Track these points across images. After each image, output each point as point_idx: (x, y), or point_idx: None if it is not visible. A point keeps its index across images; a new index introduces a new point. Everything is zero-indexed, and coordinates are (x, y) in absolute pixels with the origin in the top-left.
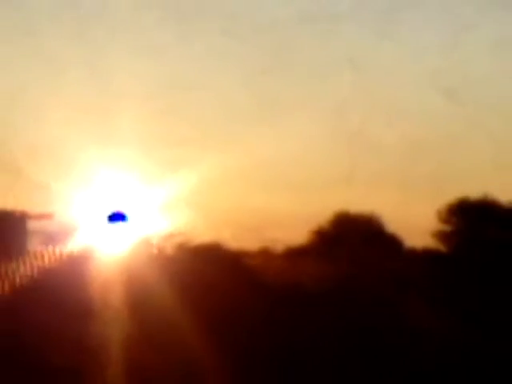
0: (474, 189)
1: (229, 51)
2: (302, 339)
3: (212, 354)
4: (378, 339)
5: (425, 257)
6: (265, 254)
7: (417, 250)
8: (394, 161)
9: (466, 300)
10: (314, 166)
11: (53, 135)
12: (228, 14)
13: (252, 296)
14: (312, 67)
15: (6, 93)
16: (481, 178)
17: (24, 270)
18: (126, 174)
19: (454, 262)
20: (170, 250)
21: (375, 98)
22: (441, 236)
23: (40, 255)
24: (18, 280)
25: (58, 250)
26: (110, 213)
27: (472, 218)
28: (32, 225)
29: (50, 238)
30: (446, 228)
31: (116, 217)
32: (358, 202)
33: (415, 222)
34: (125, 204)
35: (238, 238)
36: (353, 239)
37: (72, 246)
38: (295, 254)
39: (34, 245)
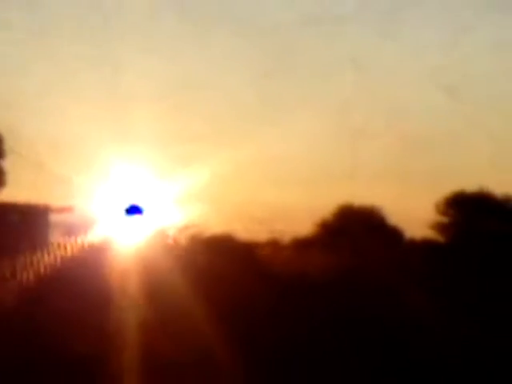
0: (470, 183)
1: (238, 53)
2: (309, 326)
3: (223, 340)
4: (379, 326)
5: (424, 247)
6: (273, 244)
7: (416, 241)
8: (395, 156)
9: (463, 288)
10: (319, 161)
11: (73, 133)
12: (236, 18)
13: (261, 284)
14: (316, 67)
15: (29, 93)
16: (477, 173)
17: (47, 260)
18: (142, 169)
19: (451, 251)
20: (183, 241)
21: (377, 97)
22: (439, 227)
23: (62, 246)
24: (41, 269)
25: (78, 241)
26: (127, 206)
27: (468, 211)
28: (54, 217)
29: (71, 230)
30: (444, 220)
31: (133, 210)
32: (361, 196)
33: (415, 214)
34: (141, 197)
35: (248, 229)
36: (356, 231)
37: (92, 237)
38: (302, 245)
39: (55, 236)
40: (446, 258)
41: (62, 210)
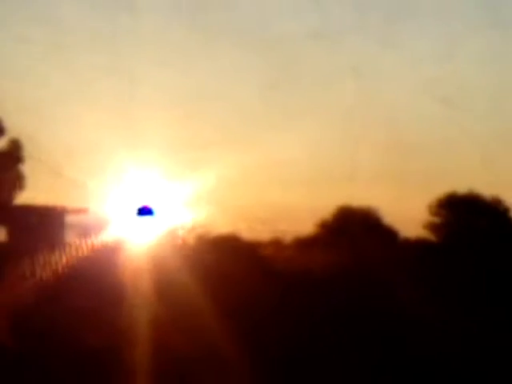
0: (461, 185)
1: (245, 64)
2: (311, 321)
3: (229, 335)
4: (376, 320)
5: (418, 246)
6: (276, 244)
7: (410, 240)
8: (391, 161)
9: (455, 284)
10: (320, 165)
11: (89, 140)
12: (243, 31)
13: (265, 281)
14: (319, 77)
15: (48, 103)
16: (467, 176)
17: (63, 259)
18: (153, 173)
19: (443, 250)
20: (192, 240)
21: (375, 105)
22: (432, 227)
23: (77, 246)
24: (58, 268)
25: (93, 241)
26: (138, 207)
27: (459, 211)
28: (70, 219)
29: (86, 231)
30: (437, 220)
31: (144, 211)
32: (359, 198)
33: (409, 214)
34: (152, 200)
35: (252, 229)
36: (354, 230)
37: (105, 237)
38: (303, 244)
39: (71, 236)
40: (439, 256)
41: (77, 211)
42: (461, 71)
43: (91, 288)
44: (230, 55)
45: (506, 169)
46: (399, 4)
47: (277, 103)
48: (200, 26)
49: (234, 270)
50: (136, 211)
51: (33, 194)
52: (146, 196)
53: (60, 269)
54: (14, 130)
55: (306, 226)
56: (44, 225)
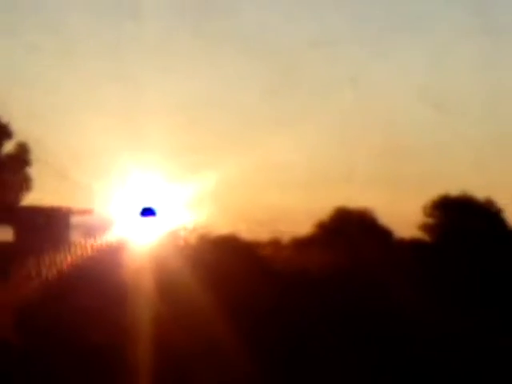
0: (454, 187)
1: (246, 71)
2: (308, 318)
3: (229, 332)
4: (372, 317)
5: (412, 246)
6: (274, 244)
7: (405, 240)
8: (386, 164)
9: (448, 283)
10: (318, 168)
11: (93, 143)
12: (245, 40)
13: (263, 280)
14: (317, 84)
15: (54, 108)
16: (460, 178)
17: (68, 258)
18: (156, 176)
19: (437, 250)
20: (193, 240)
21: (371, 110)
22: (426, 228)
23: (82, 246)
24: (62, 268)
25: (97, 241)
26: (141, 208)
27: (453, 212)
28: (75, 219)
29: (91, 231)
30: (431, 221)
31: (147, 212)
32: (356, 199)
33: (404, 216)
34: (154, 201)
35: (251, 230)
36: (351, 231)
37: (109, 237)
38: (301, 244)
39: (76, 237)
40: (433, 256)
41: (82, 212)
42: (453, 77)
43: (95, 287)
44: (232, 62)
45: (498, 171)
46: (394, 13)
47: (275, 108)
48: (202, 33)
49: (234, 270)
50: (139, 212)
51: (39, 195)
52: (148, 197)
53: (65, 268)
54: (21, 133)
55: (303, 227)
56: (50, 225)
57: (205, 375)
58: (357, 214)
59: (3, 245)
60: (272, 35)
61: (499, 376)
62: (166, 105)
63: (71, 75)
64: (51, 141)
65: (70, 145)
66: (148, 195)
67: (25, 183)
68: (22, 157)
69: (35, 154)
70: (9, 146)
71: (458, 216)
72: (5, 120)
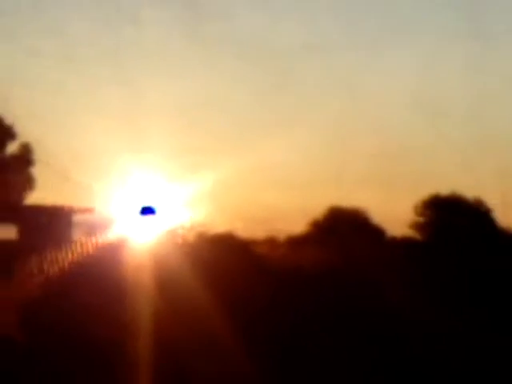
0: (444, 187)
1: (242, 73)
2: (302, 314)
3: (226, 327)
4: (363, 314)
5: (404, 244)
6: (270, 242)
7: (397, 239)
8: (378, 164)
9: (438, 280)
10: (312, 168)
11: (94, 144)
12: (242, 44)
13: (259, 277)
14: (312, 87)
15: (56, 110)
16: (450, 179)
17: (70, 256)
18: (156, 176)
19: (428, 248)
20: (191, 238)
21: (364, 113)
22: (417, 226)
23: (83, 244)
24: (65, 265)
25: (98, 239)
26: (141, 207)
27: (443, 212)
28: (77, 218)
29: (92, 229)
30: (421, 220)
31: (146, 211)
32: (348, 199)
33: (396, 215)
34: (154, 200)
35: (248, 228)
36: (344, 230)
37: (110, 235)
38: (296, 243)
39: (78, 235)
40: (424, 253)
41: (83, 211)
42: (443, 81)
43: (97, 284)
44: (229, 66)
45: (484, 172)
46: (386, 18)
47: (271, 111)
48: (201, 38)
49: (231, 267)
50: (139, 211)
51: (42, 194)
52: (148, 197)
53: (67, 265)
54: (25, 134)
55: (298, 226)
56: (52, 224)
57: (203, 369)
58: (350, 213)
59: (7, 243)
60: (269, 39)
61: (489, 373)
62: (164, 107)
63: (73, 78)
64: (54, 142)
65: (71, 146)
66: (148, 194)
67: (28, 183)
68: (25, 157)
69: (38, 155)
70: (13, 147)
71: (448, 215)
72: (9, 121)
